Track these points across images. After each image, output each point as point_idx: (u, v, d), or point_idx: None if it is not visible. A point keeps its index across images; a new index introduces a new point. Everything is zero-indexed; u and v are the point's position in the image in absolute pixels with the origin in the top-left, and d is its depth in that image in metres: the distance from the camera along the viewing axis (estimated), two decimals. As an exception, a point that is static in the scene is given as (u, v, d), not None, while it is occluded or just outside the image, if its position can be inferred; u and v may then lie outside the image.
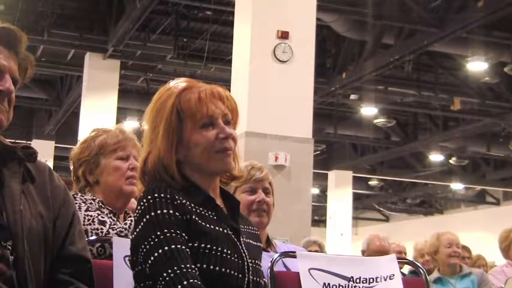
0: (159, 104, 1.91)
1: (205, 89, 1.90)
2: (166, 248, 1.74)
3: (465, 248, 6.14)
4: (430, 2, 9.19)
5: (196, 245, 1.78)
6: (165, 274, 1.71)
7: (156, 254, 1.74)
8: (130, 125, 11.97)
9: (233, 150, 1.91)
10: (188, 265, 1.73)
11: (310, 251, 5.35)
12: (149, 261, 1.75)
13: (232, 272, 1.80)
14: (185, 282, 1.70)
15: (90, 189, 2.60)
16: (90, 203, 2.53)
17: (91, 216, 2.45)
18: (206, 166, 1.89)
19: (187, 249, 1.76)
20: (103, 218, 2.47)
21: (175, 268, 1.71)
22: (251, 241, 1.94)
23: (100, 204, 2.55)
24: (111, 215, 2.55)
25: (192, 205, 1.83)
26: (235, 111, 1.95)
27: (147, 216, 1.78)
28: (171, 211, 1.78)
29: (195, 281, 1.71)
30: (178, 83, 1.94)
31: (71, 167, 2.66)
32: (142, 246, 1.77)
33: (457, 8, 9.01)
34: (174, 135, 1.87)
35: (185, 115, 1.88)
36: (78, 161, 2.62)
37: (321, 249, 5.96)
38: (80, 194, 2.59)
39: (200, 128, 1.87)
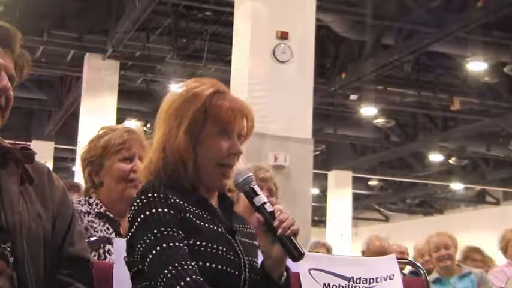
0: (184, 99, 1.90)
1: (236, 103, 1.91)
2: (164, 245, 1.73)
3: (476, 250, 6.08)
4: (430, 2, 9.18)
5: (191, 242, 1.77)
6: (166, 271, 1.70)
7: (154, 252, 1.73)
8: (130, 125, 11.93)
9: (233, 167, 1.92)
10: (188, 262, 1.72)
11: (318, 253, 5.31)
12: (147, 260, 1.74)
13: (228, 269, 1.79)
14: (188, 279, 1.68)
15: (95, 190, 2.56)
16: (87, 211, 2.50)
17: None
18: (204, 175, 1.89)
19: (185, 247, 1.75)
20: (90, 225, 2.46)
21: (176, 265, 1.70)
22: (246, 240, 1.94)
23: (101, 211, 2.52)
24: (108, 225, 2.51)
25: (186, 204, 1.82)
26: (249, 131, 1.96)
27: (142, 216, 1.77)
28: (165, 209, 1.77)
29: (198, 277, 1.70)
30: (208, 85, 1.93)
31: (80, 168, 2.62)
32: (139, 245, 1.76)
33: (457, 8, 9.00)
34: (194, 132, 1.87)
35: (210, 118, 1.88)
36: (84, 161, 2.58)
37: (328, 252, 5.93)
38: (83, 197, 2.56)
39: (216, 134, 1.88)
